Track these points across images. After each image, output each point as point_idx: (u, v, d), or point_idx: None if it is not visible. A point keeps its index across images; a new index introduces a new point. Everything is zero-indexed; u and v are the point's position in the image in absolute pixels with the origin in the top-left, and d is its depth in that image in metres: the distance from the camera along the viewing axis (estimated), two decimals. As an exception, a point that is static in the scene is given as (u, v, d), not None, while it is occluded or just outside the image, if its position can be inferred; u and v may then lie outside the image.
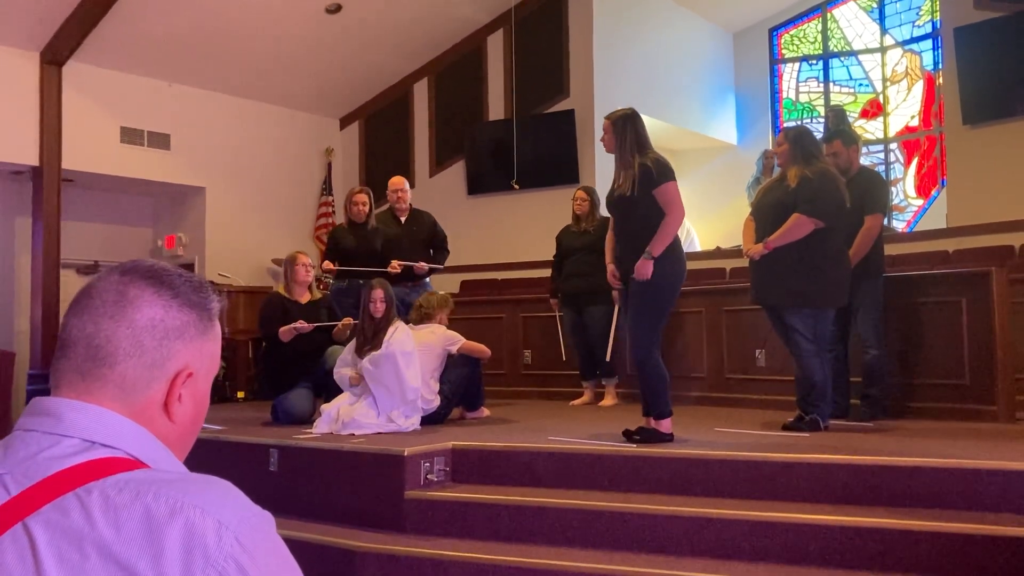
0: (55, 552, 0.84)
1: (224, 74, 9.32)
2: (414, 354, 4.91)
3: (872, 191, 5.03)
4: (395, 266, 6.16)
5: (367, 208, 6.38)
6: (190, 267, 9.61)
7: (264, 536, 0.90)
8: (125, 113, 8.85)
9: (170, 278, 1.02)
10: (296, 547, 3.55)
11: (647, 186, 4.15)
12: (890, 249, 7.23)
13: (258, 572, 0.87)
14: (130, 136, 8.90)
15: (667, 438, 4.13)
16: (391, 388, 4.78)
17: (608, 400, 6.30)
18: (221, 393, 7.36)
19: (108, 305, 0.99)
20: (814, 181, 4.47)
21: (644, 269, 4.14)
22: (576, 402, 6.44)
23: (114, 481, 0.89)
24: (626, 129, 4.26)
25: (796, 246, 4.45)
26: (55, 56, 8.11)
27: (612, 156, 4.42)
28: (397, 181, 6.65)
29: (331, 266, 6.25)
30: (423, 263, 6.32)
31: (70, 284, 8.47)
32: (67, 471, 0.89)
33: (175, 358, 1.00)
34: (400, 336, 4.88)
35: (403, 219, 6.54)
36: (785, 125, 10.96)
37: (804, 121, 10.83)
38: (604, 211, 6.93)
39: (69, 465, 0.90)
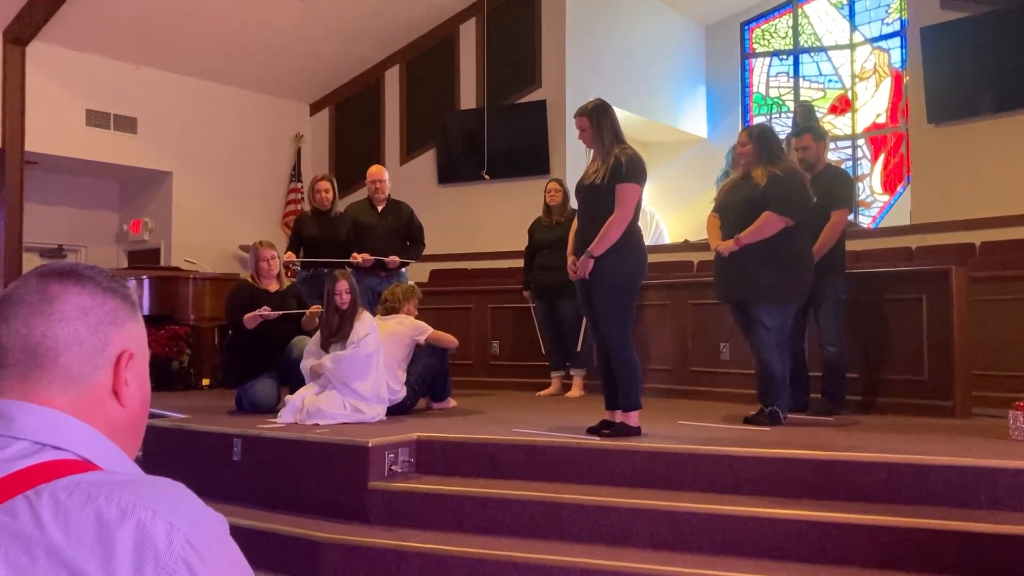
0: (3, 555, 0.84)
1: (193, 57, 9.21)
2: (377, 354, 4.89)
3: (839, 187, 5.10)
4: (357, 257, 6.11)
5: (330, 195, 6.33)
6: (156, 253, 9.52)
7: (216, 539, 0.90)
8: (91, 95, 8.73)
9: (87, 271, 1.04)
10: (259, 537, 3.54)
11: (615, 179, 4.17)
12: (855, 245, 7.35)
13: (209, 574, 0.87)
14: (96, 119, 8.78)
15: (636, 431, 4.16)
16: (348, 387, 4.78)
17: (575, 391, 6.34)
18: (186, 381, 7.31)
19: (34, 304, 0.99)
20: (784, 180, 4.54)
21: (584, 267, 4.18)
22: (543, 393, 6.47)
23: (64, 483, 0.89)
24: (602, 120, 4.28)
25: (765, 242, 4.53)
26: (19, 36, 7.97)
27: (582, 147, 4.44)
28: (376, 171, 6.58)
29: (292, 256, 6.21)
30: (395, 257, 6.26)
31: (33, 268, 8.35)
32: (17, 474, 0.89)
33: (113, 342, 1.02)
34: (368, 338, 4.86)
35: (380, 208, 6.46)
36: (750, 123, 11.06)
37: (773, 116, 10.93)
38: (575, 203, 6.98)
39: (19, 468, 0.90)
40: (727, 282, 4.73)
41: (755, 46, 11.11)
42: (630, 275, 4.22)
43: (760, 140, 4.69)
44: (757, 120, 11.04)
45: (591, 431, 4.20)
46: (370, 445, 3.96)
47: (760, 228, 4.52)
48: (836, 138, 10.33)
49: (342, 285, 4.97)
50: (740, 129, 10.79)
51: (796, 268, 4.58)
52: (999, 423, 4.22)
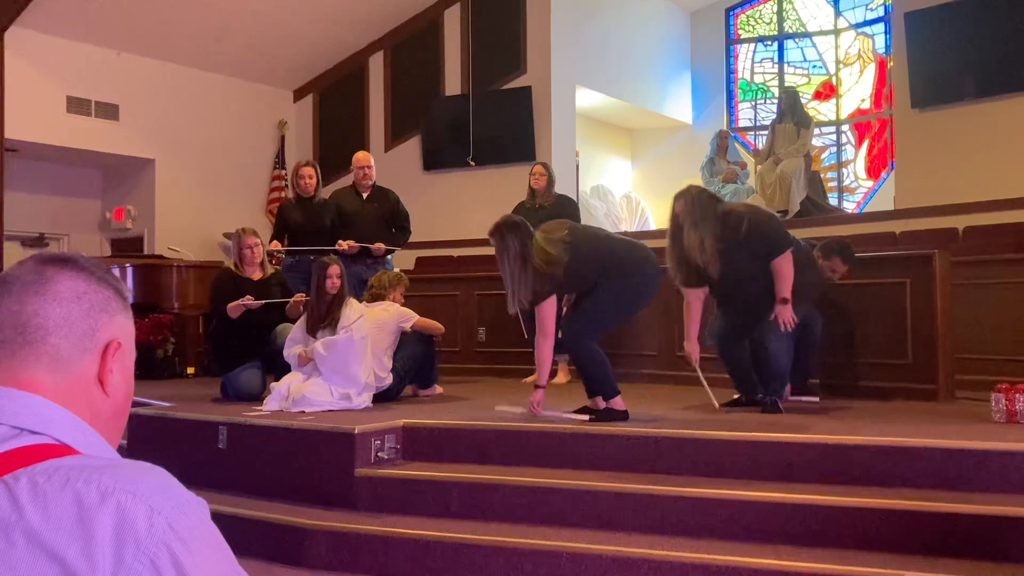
0: (-19, 540, 0.83)
1: (175, 43, 9.12)
2: (366, 341, 4.88)
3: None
4: (343, 244, 6.08)
5: (314, 181, 6.28)
6: (139, 240, 9.45)
7: (197, 522, 0.90)
8: (72, 82, 8.63)
9: (85, 260, 1.06)
10: (245, 524, 3.53)
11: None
12: (840, 230, 7.38)
13: (190, 558, 0.86)
14: (77, 106, 8.69)
15: (622, 416, 4.17)
16: (340, 373, 4.76)
17: (561, 377, 6.34)
18: (170, 369, 7.27)
19: (30, 284, 1.00)
20: (752, 230, 4.41)
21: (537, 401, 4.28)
22: (529, 379, 6.45)
23: (43, 468, 0.88)
24: (509, 243, 4.30)
25: (770, 278, 4.44)
26: (-3, 22, 7.87)
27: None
28: (362, 157, 6.51)
29: (277, 245, 6.17)
30: (380, 244, 6.23)
31: (14, 257, 8.28)
32: (-6, 458, 0.88)
33: (103, 330, 1.02)
34: (359, 323, 4.85)
35: (365, 195, 6.42)
36: (735, 110, 11.04)
37: (758, 102, 10.94)
38: (560, 188, 6.96)
39: (-4, 453, 0.89)
40: (759, 308, 4.55)
41: (740, 32, 11.11)
42: (611, 304, 4.28)
43: (693, 205, 4.46)
44: (742, 106, 11.05)
45: (584, 411, 4.25)
46: (356, 432, 3.96)
47: (784, 277, 4.39)
48: (820, 124, 10.36)
49: (334, 270, 4.94)
50: (725, 115, 10.90)
51: (806, 274, 4.60)
52: (982, 406, 4.26)
